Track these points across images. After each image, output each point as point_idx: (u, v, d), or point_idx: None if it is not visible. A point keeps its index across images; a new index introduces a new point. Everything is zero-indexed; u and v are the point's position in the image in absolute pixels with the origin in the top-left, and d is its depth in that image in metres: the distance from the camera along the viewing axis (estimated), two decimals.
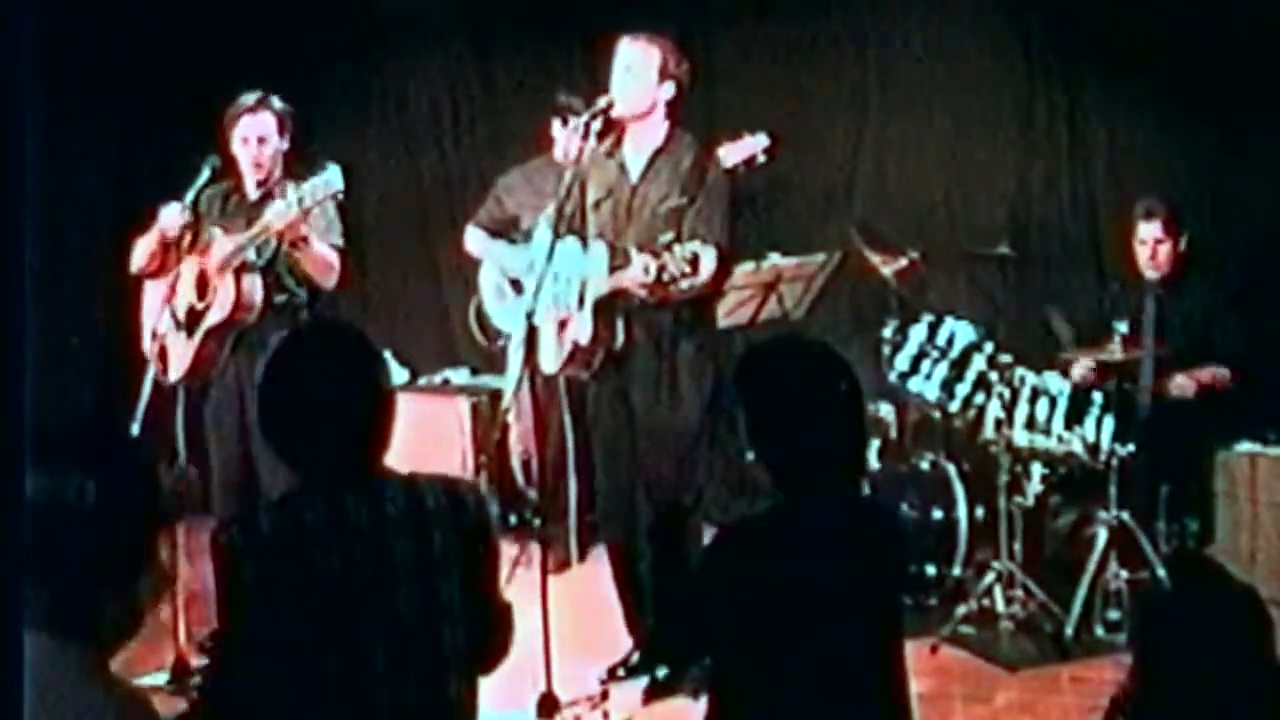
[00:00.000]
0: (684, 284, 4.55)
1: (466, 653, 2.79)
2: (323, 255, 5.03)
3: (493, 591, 2.90)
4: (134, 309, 5.35)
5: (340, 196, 4.83)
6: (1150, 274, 5.74)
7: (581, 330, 4.83)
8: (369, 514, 2.70)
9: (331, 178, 4.76)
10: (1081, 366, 5.61)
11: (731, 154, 5.16)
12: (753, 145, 5.17)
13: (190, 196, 4.98)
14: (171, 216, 5.07)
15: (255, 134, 5.14)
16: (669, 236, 4.65)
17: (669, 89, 4.85)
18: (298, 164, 5.25)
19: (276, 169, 5.20)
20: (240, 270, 5.00)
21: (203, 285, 5.07)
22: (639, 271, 4.55)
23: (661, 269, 4.49)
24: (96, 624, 2.05)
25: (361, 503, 2.70)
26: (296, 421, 2.76)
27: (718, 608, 2.83)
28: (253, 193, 5.20)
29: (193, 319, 5.11)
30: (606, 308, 4.79)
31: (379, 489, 2.74)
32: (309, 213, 4.81)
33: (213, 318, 5.07)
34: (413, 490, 2.76)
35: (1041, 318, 6.54)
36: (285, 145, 5.20)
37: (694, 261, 4.49)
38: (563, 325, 4.91)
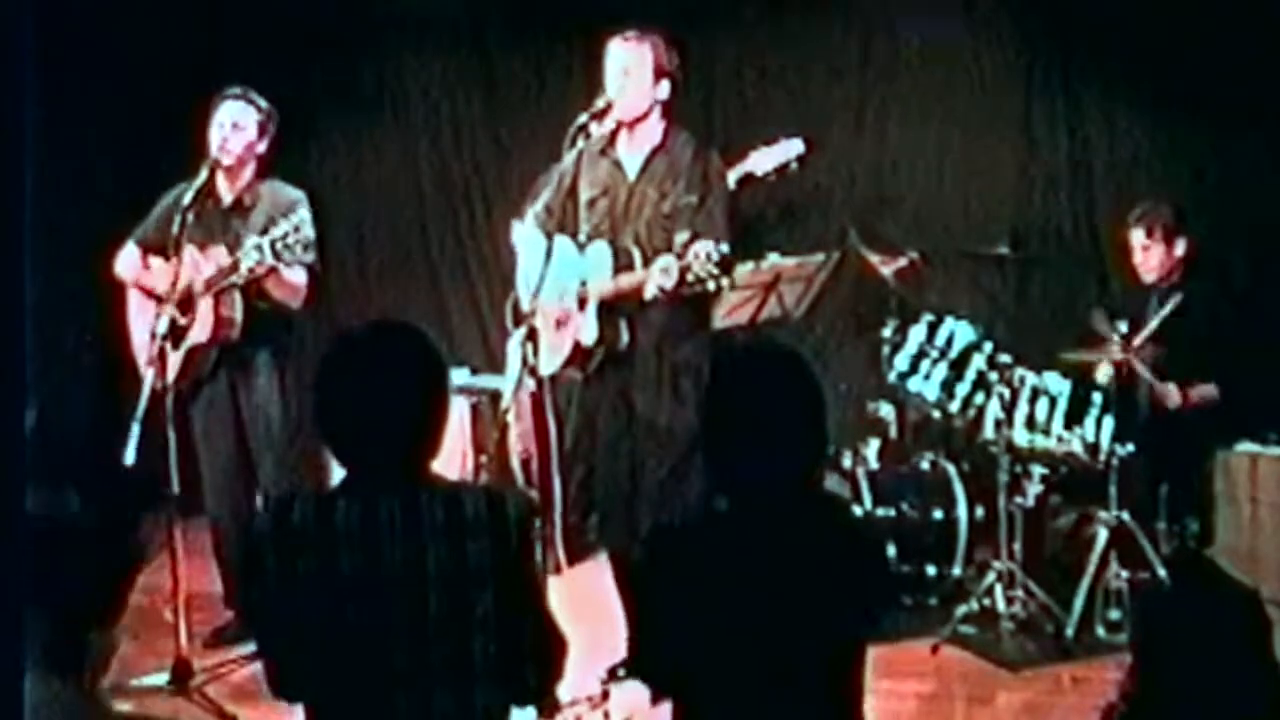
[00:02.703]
0: (710, 285, 4.50)
1: (499, 667, 2.74)
2: (290, 281, 5.04)
3: (537, 605, 2.85)
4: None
5: (307, 237, 4.82)
6: (1148, 277, 5.75)
7: (586, 331, 4.81)
8: (403, 518, 2.68)
9: (300, 222, 4.77)
10: (1104, 373, 5.59)
11: (764, 160, 5.10)
12: (788, 151, 5.10)
13: (189, 196, 4.98)
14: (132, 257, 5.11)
15: (230, 119, 5.14)
16: (685, 235, 4.61)
17: (664, 87, 4.83)
18: (271, 170, 5.26)
19: (248, 168, 5.18)
20: (220, 292, 5.01)
21: (185, 301, 5.07)
22: (660, 276, 4.51)
23: (685, 270, 4.45)
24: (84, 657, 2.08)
25: (396, 506, 2.69)
26: (345, 419, 2.75)
27: (657, 613, 2.80)
28: (225, 193, 5.18)
29: (177, 332, 5.10)
30: (610, 308, 4.77)
31: (418, 494, 2.71)
32: (279, 256, 4.82)
33: (195, 336, 5.08)
34: (453, 498, 2.74)
35: (1041, 318, 6.57)
36: (262, 145, 5.19)
37: (721, 263, 4.45)
38: (559, 325, 4.90)
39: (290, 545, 2.67)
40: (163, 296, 5.01)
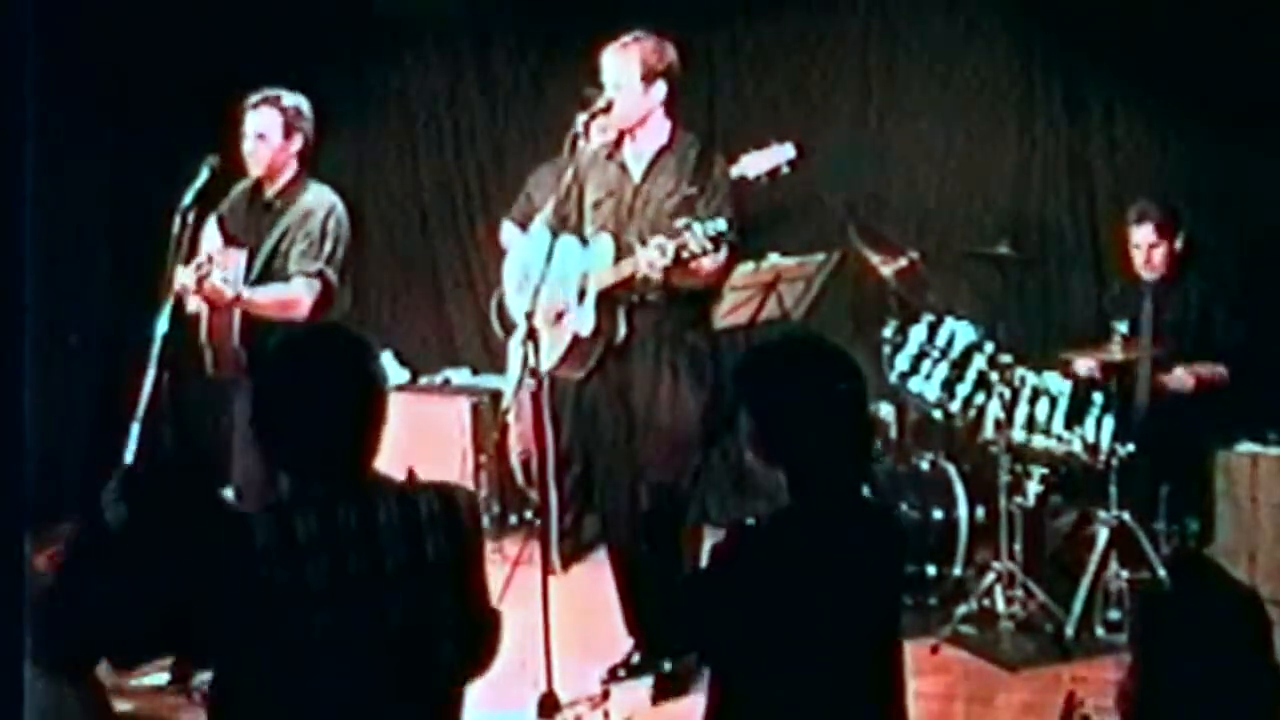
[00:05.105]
0: (706, 261, 4.50)
1: (458, 663, 2.76)
2: (280, 300, 5.01)
3: (483, 598, 2.86)
4: (133, 306, 5.36)
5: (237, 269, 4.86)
6: (1147, 275, 5.75)
7: (583, 323, 4.80)
8: (360, 522, 2.66)
9: (216, 265, 4.84)
10: (1085, 365, 5.61)
11: (755, 164, 5.10)
12: (778, 155, 5.10)
13: (189, 197, 4.97)
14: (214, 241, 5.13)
15: (255, 130, 5.14)
16: (685, 220, 4.59)
17: (659, 88, 4.80)
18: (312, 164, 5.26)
19: (286, 168, 5.18)
20: (212, 309, 5.03)
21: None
22: (655, 254, 4.50)
23: (681, 248, 4.44)
24: None
25: (353, 510, 2.66)
26: (286, 426, 2.72)
27: (724, 608, 2.81)
28: (267, 192, 5.21)
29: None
30: (608, 300, 4.76)
31: (372, 496, 2.69)
32: (218, 288, 4.86)
33: (203, 336, 5.11)
34: (406, 497, 2.72)
35: (1042, 318, 6.57)
36: (296, 144, 5.18)
37: (717, 239, 4.45)
38: (558, 319, 4.89)
39: (255, 564, 2.61)
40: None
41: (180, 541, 2.55)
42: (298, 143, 5.17)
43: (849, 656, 2.80)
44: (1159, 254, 5.71)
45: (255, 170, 5.16)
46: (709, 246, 4.43)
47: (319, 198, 5.19)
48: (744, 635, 2.77)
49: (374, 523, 2.67)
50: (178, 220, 4.96)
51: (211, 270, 4.84)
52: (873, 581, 2.85)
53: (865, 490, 3.00)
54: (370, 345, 2.86)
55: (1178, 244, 5.72)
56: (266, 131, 5.13)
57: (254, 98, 5.16)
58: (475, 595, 2.82)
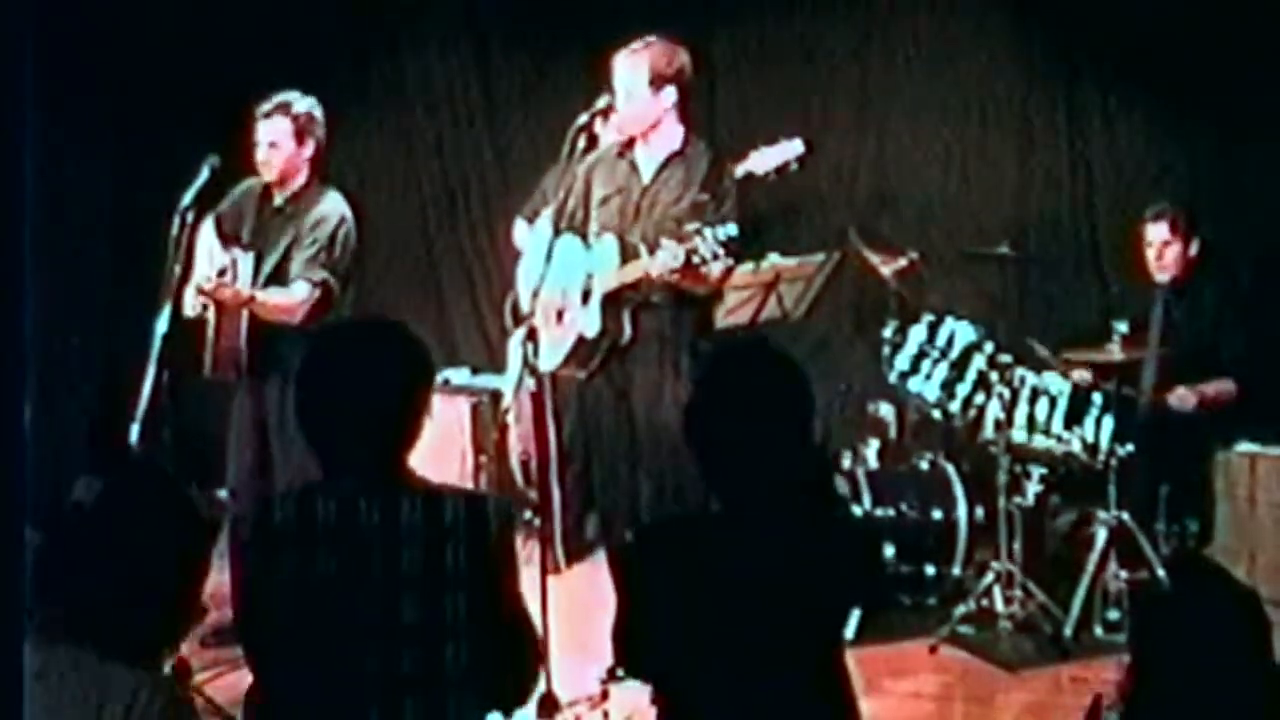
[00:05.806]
0: (715, 267, 4.49)
1: (472, 674, 2.72)
2: (280, 303, 5.04)
3: (515, 613, 2.82)
4: (133, 306, 5.37)
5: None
6: (1159, 276, 5.74)
7: (588, 324, 4.80)
8: (381, 517, 2.67)
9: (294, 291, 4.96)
10: (1080, 374, 5.61)
11: (764, 160, 5.09)
12: (787, 151, 5.09)
13: (189, 198, 4.98)
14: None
15: (267, 139, 5.16)
16: (694, 226, 4.59)
17: (668, 93, 4.80)
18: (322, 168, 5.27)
19: (297, 175, 5.19)
20: (221, 310, 5.04)
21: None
22: (664, 257, 4.49)
23: (691, 253, 4.43)
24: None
25: (375, 505, 2.68)
26: (323, 415, 2.75)
27: (647, 606, 2.80)
28: (277, 197, 5.21)
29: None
30: (614, 302, 4.76)
31: (397, 494, 2.70)
32: (229, 297, 4.96)
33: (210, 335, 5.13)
34: (432, 500, 2.72)
35: (1041, 318, 6.57)
36: (308, 150, 5.19)
37: (727, 244, 4.44)
38: (559, 319, 4.89)
39: (271, 544, 2.67)
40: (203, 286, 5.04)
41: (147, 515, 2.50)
42: (310, 148, 5.19)
43: (776, 667, 2.74)
44: (1171, 253, 5.70)
45: (268, 177, 5.19)
46: (719, 251, 4.42)
47: (332, 206, 5.21)
48: (666, 639, 2.76)
49: (394, 520, 2.68)
50: (177, 220, 4.97)
51: (232, 275, 4.87)
52: (797, 592, 2.75)
53: (798, 500, 2.91)
54: (420, 344, 2.87)
55: (1193, 247, 5.71)
56: (279, 140, 5.15)
57: (265, 106, 5.17)
58: (505, 608, 2.78)
